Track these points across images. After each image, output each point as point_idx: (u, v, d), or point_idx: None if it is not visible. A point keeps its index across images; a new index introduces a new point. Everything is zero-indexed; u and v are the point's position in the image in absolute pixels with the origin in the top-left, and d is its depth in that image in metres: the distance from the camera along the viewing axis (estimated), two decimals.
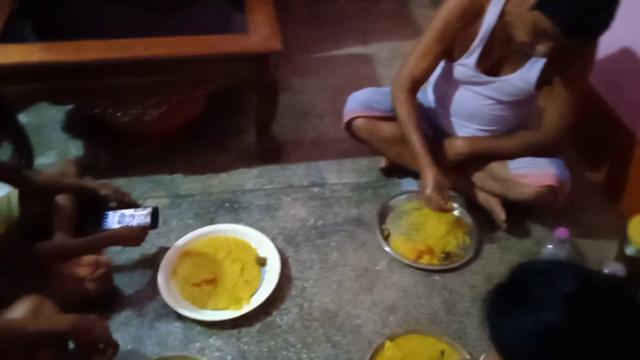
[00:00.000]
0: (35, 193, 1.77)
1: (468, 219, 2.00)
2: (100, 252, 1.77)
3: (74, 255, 1.69)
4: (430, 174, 1.79)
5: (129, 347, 1.62)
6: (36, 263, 1.62)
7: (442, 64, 1.88)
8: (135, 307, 1.73)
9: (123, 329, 1.67)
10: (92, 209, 1.93)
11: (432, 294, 1.78)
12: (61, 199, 1.86)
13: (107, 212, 1.91)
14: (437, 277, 1.83)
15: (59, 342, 1.38)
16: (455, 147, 1.93)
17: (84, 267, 1.68)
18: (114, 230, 1.81)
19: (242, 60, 1.96)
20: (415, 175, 2.05)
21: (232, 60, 1.95)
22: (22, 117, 1.78)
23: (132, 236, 1.78)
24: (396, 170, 2.18)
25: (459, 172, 2.01)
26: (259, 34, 1.97)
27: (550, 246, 1.66)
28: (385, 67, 2.82)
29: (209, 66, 1.96)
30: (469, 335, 1.65)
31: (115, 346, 1.45)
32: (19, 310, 1.36)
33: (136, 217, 1.88)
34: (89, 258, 1.70)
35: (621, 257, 1.71)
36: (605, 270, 1.64)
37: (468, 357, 1.56)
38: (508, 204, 1.92)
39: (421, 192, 1.84)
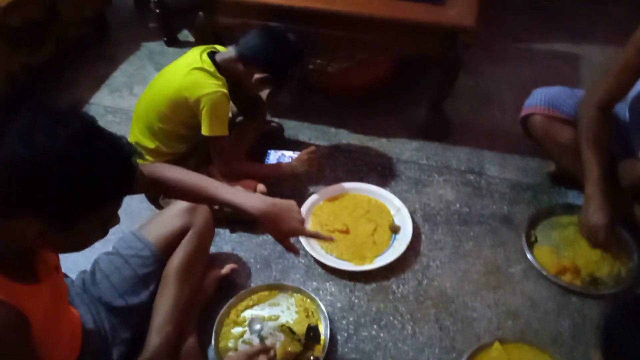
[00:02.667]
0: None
1: (633, 251, 1.77)
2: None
3: (254, 176, 1.91)
4: (594, 205, 1.67)
5: (257, 267, 1.79)
6: (231, 169, 1.89)
7: None
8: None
9: (257, 250, 1.84)
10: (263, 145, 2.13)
11: (562, 313, 1.64)
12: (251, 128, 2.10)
13: (269, 150, 2.10)
14: (574, 298, 1.67)
15: None
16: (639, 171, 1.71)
17: (246, 187, 1.88)
18: (288, 163, 1.97)
19: (431, 32, 1.95)
20: None
21: (421, 30, 1.95)
22: None
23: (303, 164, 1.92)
24: (566, 179, 2.01)
25: (636, 200, 1.78)
26: (455, 9, 1.94)
27: None
28: (593, 71, 2.56)
29: (398, 31, 1.98)
30: None
31: None
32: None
33: (293, 156, 2.03)
34: (250, 182, 1.90)
35: None
36: None
37: None
38: None
39: (581, 218, 1.72)
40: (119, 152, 0.93)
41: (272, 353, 1.33)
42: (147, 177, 1.23)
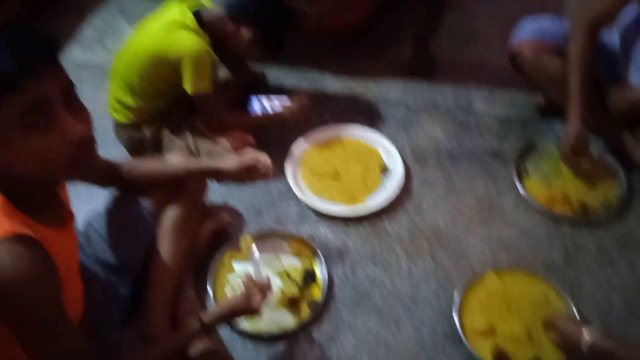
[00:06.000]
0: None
1: (622, 179, 1.78)
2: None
3: (241, 127, 1.89)
4: (574, 128, 1.67)
5: (250, 216, 1.77)
6: (218, 122, 1.86)
7: (635, 7, 1.64)
8: (261, 184, 1.86)
9: (248, 199, 1.82)
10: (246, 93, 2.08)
11: (554, 241, 1.66)
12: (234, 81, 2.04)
13: (251, 97, 2.05)
14: (566, 227, 1.69)
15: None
16: (630, 98, 1.71)
17: (232, 139, 1.84)
18: (278, 113, 1.94)
19: None
20: None
21: None
22: None
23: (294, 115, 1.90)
24: (554, 111, 1.99)
25: (624, 126, 1.78)
26: None
27: None
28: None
29: None
30: (583, 293, 1.53)
31: None
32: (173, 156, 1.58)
33: (277, 103, 1.99)
34: (238, 134, 1.87)
35: None
36: None
37: (576, 313, 1.44)
38: None
39: (563, 140, 1.74)
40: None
41: (267, 284, 1.34)
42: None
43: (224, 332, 1.46)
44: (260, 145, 1.92)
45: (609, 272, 1.58)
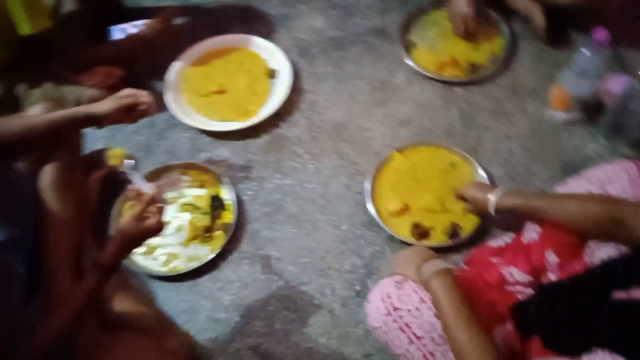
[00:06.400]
0: None
1: (503, 28, 1.77)
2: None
3: (103, 60, 1.67)
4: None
5: (140, 155, 1.64)
6: (76, 61, 1.63)
7: None
8: (144, 119, 1.70)
9: (133, 139, 1.68)
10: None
11: (450, 106, 1.66)
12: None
13: (109, 28, 1.84)
14: (458, 89, 1.69)
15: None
16: None
17: (98, 76, 1.65)
18: (138, 33, 1.74)
19: None
20: None
21: None
22: None
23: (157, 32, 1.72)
24: None
25: None
26: None
27: (585, 50, 1.43)
28: None
29: None
30: (484, 149, 1.56)
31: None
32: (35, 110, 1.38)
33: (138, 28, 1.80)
34: (103, 69, 1.67)
35: None
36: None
37: (482, 173, 1.47)
38: (549, 11, 1.68)
39: (450, 9, 1.73)
40: None
41: (157, 194, 1.18)
42: None
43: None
44: (132, 78, 1.75)
45: (506, 123, 1.61)
